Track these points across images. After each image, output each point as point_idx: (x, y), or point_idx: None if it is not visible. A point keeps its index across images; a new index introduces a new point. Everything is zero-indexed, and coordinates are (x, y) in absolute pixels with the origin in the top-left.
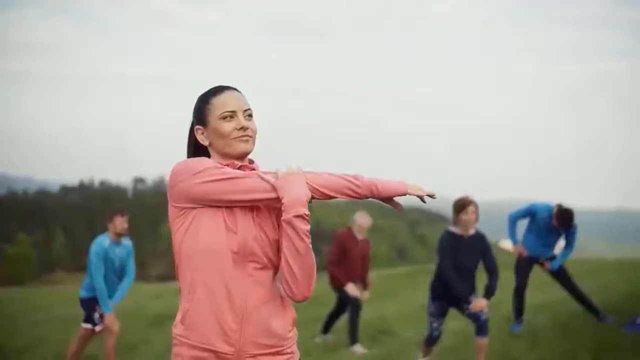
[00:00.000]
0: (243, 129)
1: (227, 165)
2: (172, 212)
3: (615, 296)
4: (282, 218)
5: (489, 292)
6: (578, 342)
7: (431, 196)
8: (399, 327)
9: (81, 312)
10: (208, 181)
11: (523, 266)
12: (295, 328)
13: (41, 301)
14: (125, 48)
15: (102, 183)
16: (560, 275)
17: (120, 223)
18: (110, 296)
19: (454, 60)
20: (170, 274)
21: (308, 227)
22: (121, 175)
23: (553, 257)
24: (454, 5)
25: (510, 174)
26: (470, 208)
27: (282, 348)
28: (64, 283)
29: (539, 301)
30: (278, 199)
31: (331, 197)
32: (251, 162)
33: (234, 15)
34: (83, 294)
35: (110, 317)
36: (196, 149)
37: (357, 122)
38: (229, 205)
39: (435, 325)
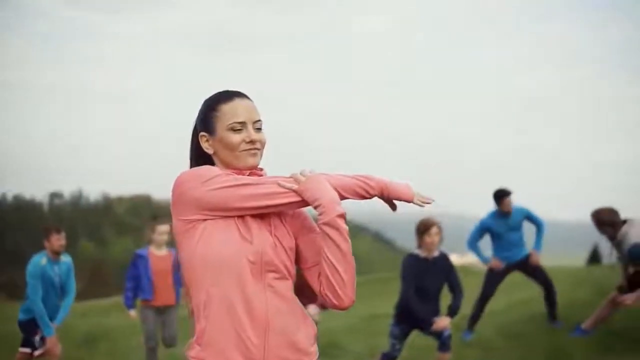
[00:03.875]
0: (252, 142)
1: (235, 173)
2: (178, 225)
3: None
4: (322, 221)
5: (453, 311)
6: (529, 348)
7: (427, 202)
8: (347, 340)
9: (10, 332)
10: (223, 187)
11: (495, 276)
12: (316, 344)
13: None
14: (48, 59)
15: (16, 197)
16: (537, 272)
17: (56, 240)
18: (52, 317)
19: (389, 75)
20: (91, 292)
21: (347, 227)
22: (36, 190)
23: (527, 256)
24: (383, 20)
25: (462, 186)
26: (434, 230)
27: None
28: None
29: (485, 310)
30: (299, 203)
31: (344, 198)
32: (260, 169)
33: (163, 28)
34: (22, 316)
35: (52, 340)
36: (199, 156)
37: (290, 137)
38: (248, 213)
39: (397, 347)
